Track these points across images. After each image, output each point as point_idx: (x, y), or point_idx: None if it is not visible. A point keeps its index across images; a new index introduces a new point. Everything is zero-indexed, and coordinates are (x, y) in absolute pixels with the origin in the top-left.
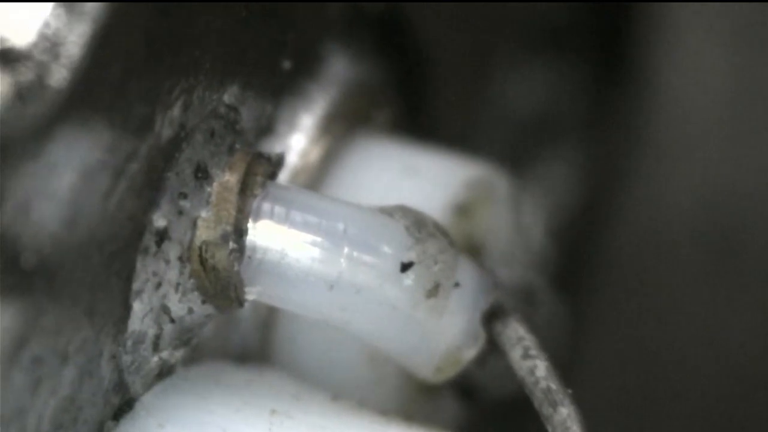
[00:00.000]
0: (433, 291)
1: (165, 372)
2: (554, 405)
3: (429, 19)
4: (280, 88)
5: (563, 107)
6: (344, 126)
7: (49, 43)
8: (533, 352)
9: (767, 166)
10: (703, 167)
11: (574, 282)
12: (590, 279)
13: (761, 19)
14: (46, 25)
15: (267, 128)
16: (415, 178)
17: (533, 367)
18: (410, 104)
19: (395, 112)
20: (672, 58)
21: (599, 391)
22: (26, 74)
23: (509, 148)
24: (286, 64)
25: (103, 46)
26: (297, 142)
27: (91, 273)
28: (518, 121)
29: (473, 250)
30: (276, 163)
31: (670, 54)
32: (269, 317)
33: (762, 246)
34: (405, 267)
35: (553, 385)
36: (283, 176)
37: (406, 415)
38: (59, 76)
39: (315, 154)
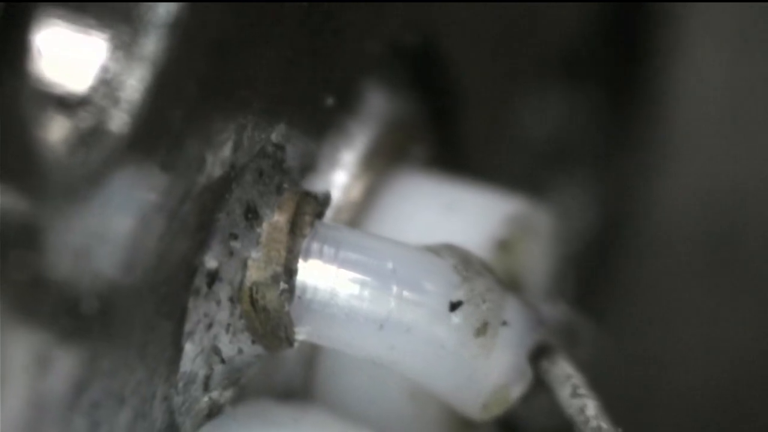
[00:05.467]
0: (482, 330)
1: (214, 412)
2: None
3: (461, 54)
4: (323, 125)
5: (577, 135)
6: (384, 161)
7: (109, 88)
8: (582, 390)
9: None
10: (707, 175)
11: (588, 306)
12: (604, 303)
13: (761, 19)
14: (105, 69)
15: (310, 166)
16: (456, 213)
17: (583, 406)
18: (441, 137)
19: (429, 146)
20: (684, 81)
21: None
22: (87, 120)
23: (526, 175)
24: (329, 101)
25: (160, 89)
26: (339, 178)
27: (145, 315)
28: (534, 148)
29: (514, 286)
30: (323, 201)
31: (683, 79)
32: (312, 354)
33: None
34: (454, 306)
35: (604, 425)
36: (326, 213)
37: None
38: (120, 121)
39: (357, 190)
